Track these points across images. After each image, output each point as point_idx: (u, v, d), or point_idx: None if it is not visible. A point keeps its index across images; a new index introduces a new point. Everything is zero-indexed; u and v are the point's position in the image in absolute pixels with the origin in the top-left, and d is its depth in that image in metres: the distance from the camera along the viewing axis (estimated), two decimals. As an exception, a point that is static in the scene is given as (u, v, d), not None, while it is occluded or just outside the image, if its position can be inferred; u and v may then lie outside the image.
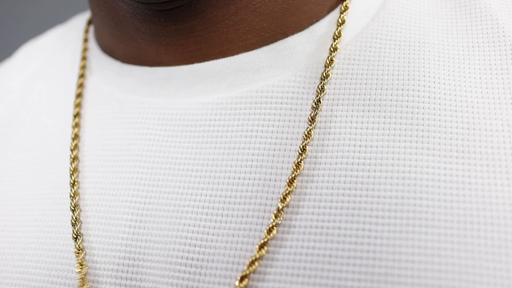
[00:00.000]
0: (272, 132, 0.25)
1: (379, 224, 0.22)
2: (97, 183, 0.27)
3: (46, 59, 0.36)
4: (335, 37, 0.26)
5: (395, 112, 0.25)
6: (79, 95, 0.31)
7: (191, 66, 0.27)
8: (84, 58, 0.32)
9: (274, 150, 0.25)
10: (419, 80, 0.25)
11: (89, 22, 0.35)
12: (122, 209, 0.26)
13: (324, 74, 0.25)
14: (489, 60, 0.26)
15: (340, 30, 0.26)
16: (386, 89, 0.25)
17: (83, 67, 0.32)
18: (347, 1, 0.27)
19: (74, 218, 0.27)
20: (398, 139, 0.24)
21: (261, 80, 0.26)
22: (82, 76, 0.31)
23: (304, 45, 0.26)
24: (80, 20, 0.38)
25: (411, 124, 0.24)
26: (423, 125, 0.24)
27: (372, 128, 0.24)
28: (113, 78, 0.30)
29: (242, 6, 0.26)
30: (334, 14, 0.27)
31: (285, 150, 0.25)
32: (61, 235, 0.27)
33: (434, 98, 0.25)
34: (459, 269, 0.21)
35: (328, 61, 0.26)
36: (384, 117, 0.24)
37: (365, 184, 0.23)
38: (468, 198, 0.22)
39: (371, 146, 0.24)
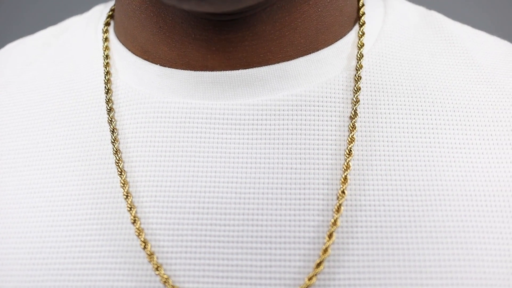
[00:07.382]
0: (315, 130, 0.29)
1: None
2: (149, 176, 0.29)
3: (51, 57, 0.36)
4: (358, 58, 0.31)
5: (411, 114, 0.30)
6: (108, 91, 0.32)
7: (237, 72, 0.30)
8: (107, 56, 0.33)
9: (318, 146, 0.29)
10: (423, 90, 0.31)
11: (107, 24, 0.36)
12: (183, 198, 0.28)
13: (356, 88, 0.30)
14: (466, 76, 0.32)
15: (361, 51, 0.31)
16: (401, 96, 0.31)
17: (107, 65, 0.33)
18: (363, 27, 0.32)
19: (129, 204, 0.28)
20: (419, 135, 0.29)
21: (299, 86, 0.30)
22: (108, 73, 0.33)
23: (332, 59, 0.31)
24: (75, 20, 0.39)
25: (425, 123, 0.30)
26: (432, 123, 0.30)
27: (398, 127, 0.30)
28: (153, 79, 0.31)
29: (286, 24, 0.29)
30: (353, 34, 0.32)
31: (330, 150, 0.29)
32: (118, 220, 0.28)
33: (437, 102, 0.31)
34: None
35: (357, 76, 0.31)
36: (405, 118, 0.30)
37: (405, 171, 0.28)
38: (475, 166, 0.29)
39: (399, 142, 0.29)
